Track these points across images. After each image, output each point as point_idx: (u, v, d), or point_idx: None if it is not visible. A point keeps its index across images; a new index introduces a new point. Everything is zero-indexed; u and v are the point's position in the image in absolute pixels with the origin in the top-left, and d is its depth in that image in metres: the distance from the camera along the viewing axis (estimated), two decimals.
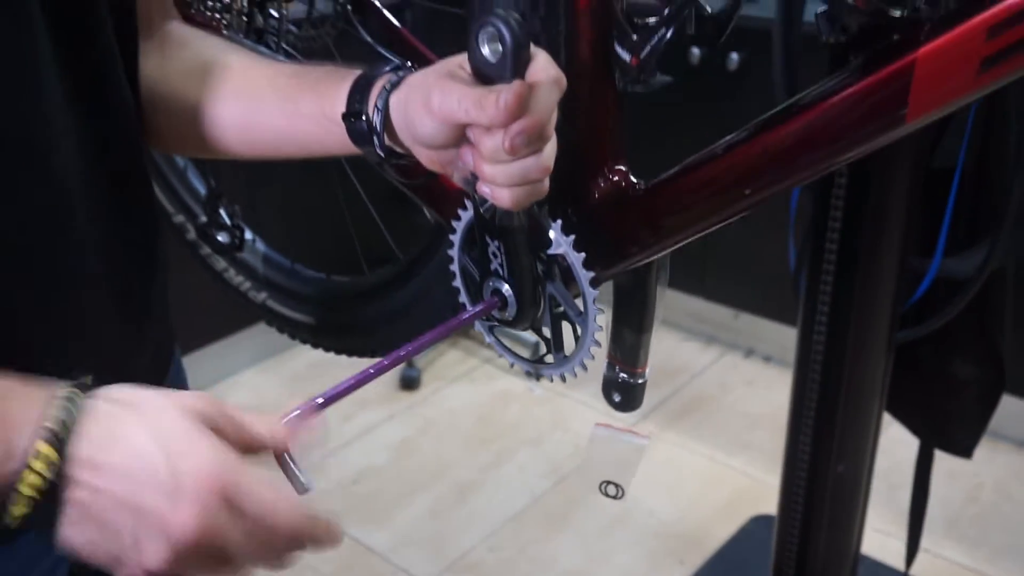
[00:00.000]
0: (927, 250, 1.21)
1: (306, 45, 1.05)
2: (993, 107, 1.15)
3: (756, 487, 2.11)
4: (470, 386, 2.54)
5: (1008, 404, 1.43)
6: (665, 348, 2.65)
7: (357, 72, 0.70)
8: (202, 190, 1.31)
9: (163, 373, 0.82)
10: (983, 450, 1.36)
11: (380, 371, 0.64)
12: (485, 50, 0.59)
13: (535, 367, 0.79)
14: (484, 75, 0.60)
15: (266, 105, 0.74)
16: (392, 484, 2.19)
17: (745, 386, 2.51)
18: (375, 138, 0.68)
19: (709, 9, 0.69)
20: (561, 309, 0.74)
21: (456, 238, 0.77)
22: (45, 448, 0.49)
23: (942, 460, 1.39)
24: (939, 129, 1.16)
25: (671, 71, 0.72)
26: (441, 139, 0.63)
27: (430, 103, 0.61)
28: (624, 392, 0.86)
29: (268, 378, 2.54)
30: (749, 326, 2.61)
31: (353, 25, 1.00)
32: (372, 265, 1.29)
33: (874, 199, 1.07)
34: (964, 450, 1.36)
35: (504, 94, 0.57)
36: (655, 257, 0.77)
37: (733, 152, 0.69)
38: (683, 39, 0.69)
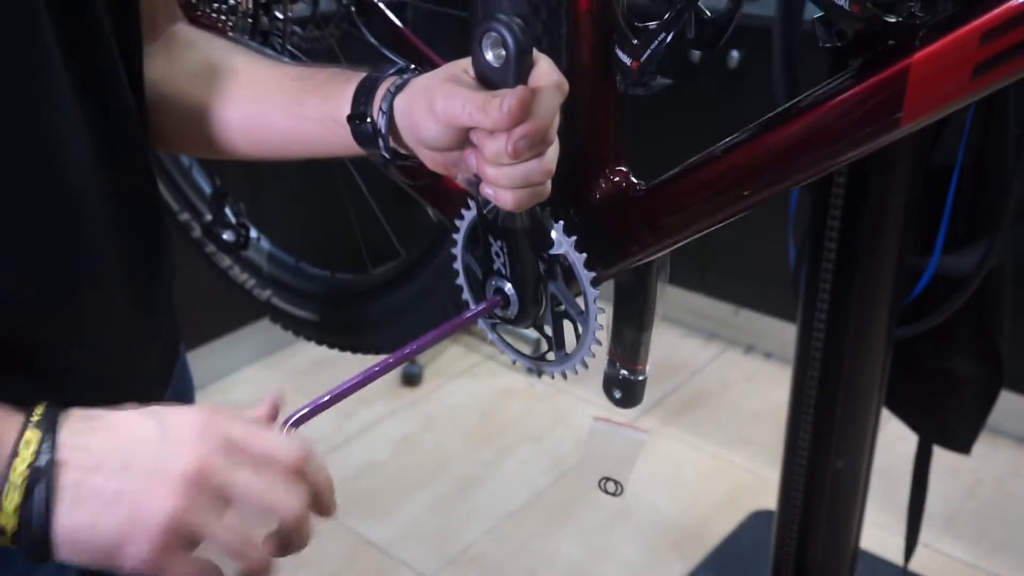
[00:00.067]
0: (926, 247, 1.21)
1: (310, 46, 1.06)
2: (992, 106, 1.15)
3: (756, 482, 2.11)
4: (472, 382, 2.55)
5: (1006, 400, 1.43)
6: (666, 344, 2.65)
7: (362, 74, 0.70)
8: (207, 188, 1.32)
9: (169, 371, 0.82)
10: (982, 446, 1.37)
11: (385, 369, 0.65)
12: (488, 55, 0.60)
13: (537, 364, 0.80)
14: (488, 80, 0.61)
15: (272, 107, 0.75)
16: (394, 479, 2.19)
17: (745, 382, 2.51)
18: (380, 140, 0.68)
19: (709, 13, 0.70)
20: (562, 308, 0.75)
21: (459, 237, 0.77)
22: (33, 435, 0.51)
23: (941, 456, 1.39)
24: (938, 127, 1.17)
25: (670, 68, 0.72)
26: (445, 142, 0.64)
27: (434, 107, 0.62)
28: (625, 388, 0.86)
29: (271, 374, 2.54)
30: (749, 322, 2.61)
31: (357, 26, 1.01)
32: (376, 263, 1.30)
33: (873, 198, 1.08)
34: (963, 446, 1.36)
35: (507, 99, 0.58)
36: (656, 256, 0.78)
37: (732, 154, 0.70)
38: (683, 43, 0.69)
